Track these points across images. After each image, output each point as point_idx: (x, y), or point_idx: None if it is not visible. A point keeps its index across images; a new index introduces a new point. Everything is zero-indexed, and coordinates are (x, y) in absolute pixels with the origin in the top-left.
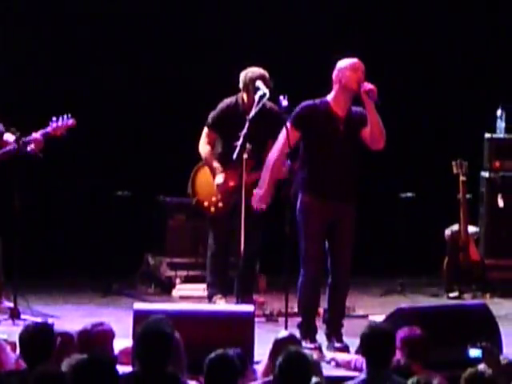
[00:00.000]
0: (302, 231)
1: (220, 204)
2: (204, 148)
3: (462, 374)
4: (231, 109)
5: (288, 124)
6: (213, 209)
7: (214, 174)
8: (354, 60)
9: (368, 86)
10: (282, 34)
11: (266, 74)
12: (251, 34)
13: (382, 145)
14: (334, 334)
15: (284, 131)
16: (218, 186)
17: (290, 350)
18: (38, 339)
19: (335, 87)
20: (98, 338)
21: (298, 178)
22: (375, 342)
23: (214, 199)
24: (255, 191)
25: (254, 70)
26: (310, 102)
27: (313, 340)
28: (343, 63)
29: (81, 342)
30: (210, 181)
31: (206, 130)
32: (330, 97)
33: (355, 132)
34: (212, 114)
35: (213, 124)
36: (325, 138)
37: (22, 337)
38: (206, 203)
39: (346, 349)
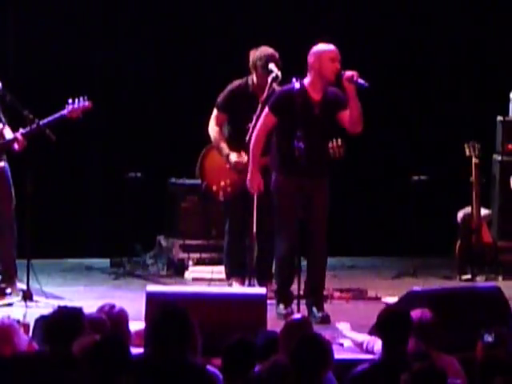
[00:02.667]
0: (276, 207)
1: (229, 189)
2: (213, 130)
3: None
4: (241, 90)
5: (266, 109)
6: (221, 193)
7: (223, 155)
8: (331, 48)
9: (348, 73)
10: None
11: (276, 54)
12: (256, 19)
13: (359, 128)
14: (315, 304)
15: (263, 114)
16: (236, 163)
17: (306, 334)
18: (68, 324)
19: (311, 73)
20: (114, 320)
21: (271, 157)
22: (392, 324)
23: (222, 184)
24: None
25: (262, 50)
26: (286, 87)
27: (287, 305)
28: (320, 51)
29: (94, 325)
30: (218, 165)
31: (215, 111)
32: (306, 81)
33: (331, 115)
34: (221, 96)
35: (222, 106)
36: (300, 121)
37: (51, 320)
38: (214, 188)
39: (327, 318)
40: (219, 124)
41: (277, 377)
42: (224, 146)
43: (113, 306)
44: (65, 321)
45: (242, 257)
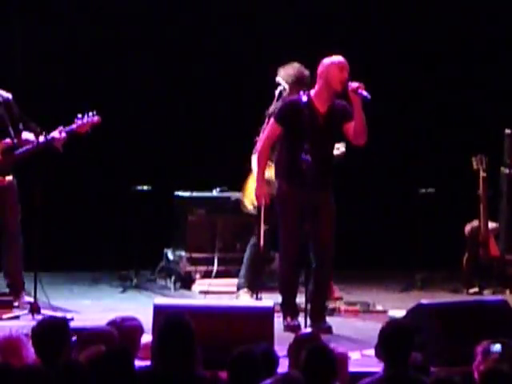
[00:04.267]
0: (280, 218)
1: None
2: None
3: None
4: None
5: (272, 119)
6: (252, 207)
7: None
8: (340, 59)
9: (354, 84)
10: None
11: (305, 72)
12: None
13: (363, 141)
14: (318, 315)
15: (269, 125)
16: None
17: (314, 345)
18: (52, 334)
19: (319, 83)
20: (124, 333)
21: (276, 166)
22: (394, 339)
23: (252, 197)
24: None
25: (293, 67)
26: (293, 98)
27: (293, 318)
28: (329, 61)
29: (102, 337)
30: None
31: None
32: (313, 91)
33: (336, 126)
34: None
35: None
36: (305, 132)
37: (35, 331)
38: (246, 200)
39: (329, 329)
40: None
41: None
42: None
43: (124, 319)
44: (48, 332)
45: (261, 270)
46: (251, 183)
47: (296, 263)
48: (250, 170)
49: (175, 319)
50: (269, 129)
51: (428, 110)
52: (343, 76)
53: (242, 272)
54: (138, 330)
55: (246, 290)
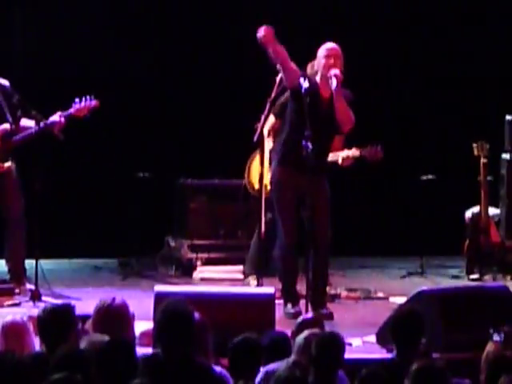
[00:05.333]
0: (276, 202)
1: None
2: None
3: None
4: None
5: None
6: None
7: None
8: (329, 45)
9: (333, 72)
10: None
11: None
12: None
13: (346, 129)
14: (318, 301)
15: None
16: None
17: (323, 334)
18: (57, 321)
19: (318, 71)
20: (117, 313)
21: (274, 149)
22: (405, 325)
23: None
24: None
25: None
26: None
27: (294, 304)
28: (320, 49)
29: (99, 318)
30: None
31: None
32: (317, 78)
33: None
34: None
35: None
36: (307, 116)
37: (40, 318)
38: (257, 186)
39: (330, 315)
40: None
41: (297, 375)
42: None
43: (114, 299)
44: (54, 319)
45: (266, 256)
46: (256, 165)
47: (294, 249)
48: (252, 153)
49: (173, 306)
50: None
51: (428, 96)
52: (328, 62)
53: (249, 258)
54: (125, 309)
55: (254, 276)
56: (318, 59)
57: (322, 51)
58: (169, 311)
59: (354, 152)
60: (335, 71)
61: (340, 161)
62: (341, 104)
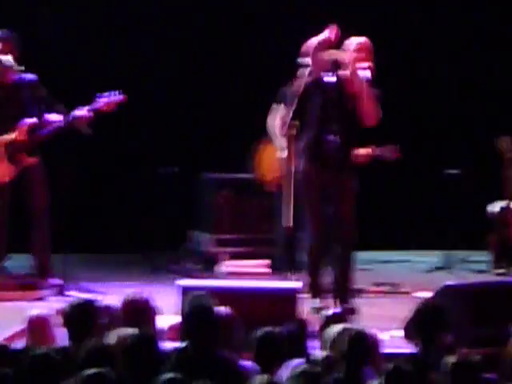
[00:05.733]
0: (304, 199)
1: (281, 180)
2: (274, 122)
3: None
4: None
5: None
6: (275, 185)
7: (280, 148)
8: (361, 40)
9: (361, 65)
10: None
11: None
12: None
13: (371, 122)
14: (341, 295)
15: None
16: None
17: (357, 331)
18: (82, 316)
19: (343, 65)
20: (141, 307)
21: (298, 146)
22: (429, 319)
23: (276, 175)
24: None
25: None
26: (318, 76)
27: (321, 299)
28: (351, 43)
29: (124, 312)
30: (274, 156)
31: (282, 106)
32: (342, 72)
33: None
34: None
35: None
36: (333, 112)
37: (65, 313)
38: (268, 178)
39: (352, 310)
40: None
41: (329, 369)
42: (281, 139)
43: (139, 294)
44: (80, 314)
45: (293, 249)
46: (268, 157)
47: (322, 245)
48: (261, 146)
49: (199, 301)
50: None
51: (453, 91)
52: (360, 56)
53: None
54: (148, 303)
55: (287, 272)
56: (347, 52)
57: (352, 45)
58: (195, 306)
59: (368, 150)
60: (365, 64)
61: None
62: (370, 96)
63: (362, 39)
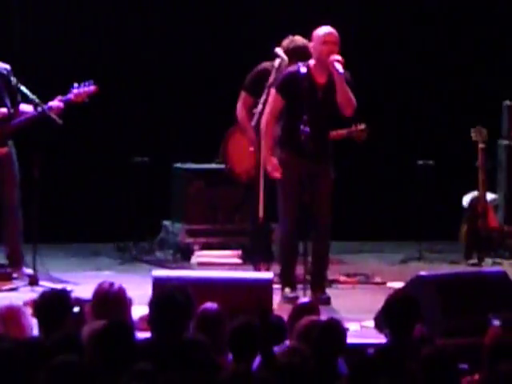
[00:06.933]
0: (279, 188)
1: (252, 171)
2: (240, 112)
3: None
4: (268, 73)
5: (272, 90)
6: (244, 176)
7: (249, 139)
8: (326, 30)
9: (334, 57)
10: None
11: (305, 44)
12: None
13: (349, 113)
14: (318, 285)
15: (271, 97)
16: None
17: (328, 322)
18: (54, 305)
19: (313, 56)
20: (114, 298)
21: (276, 135)
22: (399, 310)
23: (245, 166)
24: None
25: (297, 39)
26: (292, 69)
27: (292, 289)
28: (316, 34)
29: (97, 303)
30: (242, 147)
31: (242, 93)
32: (311, 63)
33: (333, 98)
34: (248, 78)
35: (249, 87)
36: (306, 104)
37: (37, 303)
38: (237, 170)
39: (327, 300)
40: (246, 106)
41: (296, 361)
42: (251, 130)
43: (112, 284)
44: (51, 304)
45: (267, 240)
46: (237, 148)
47: (295, 234)
48: (231, 137)
49: (165, 291)
50: (271, 101)
51: (426, 81)
52: (327, 48)
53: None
54: (122, 293)
55: (262, 263)
56: (314, 44)
57: (319, 37)
58: (158, 295)
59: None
60: (337, 57)
61: None
62: (343, 88)
63: (329, 30)
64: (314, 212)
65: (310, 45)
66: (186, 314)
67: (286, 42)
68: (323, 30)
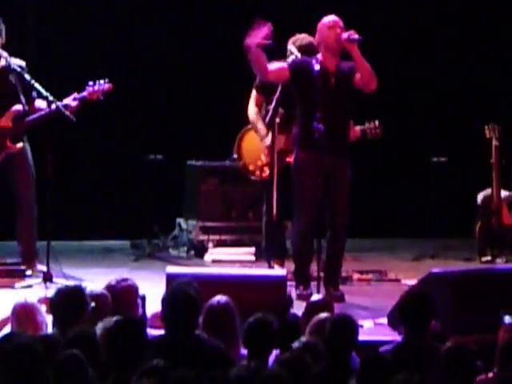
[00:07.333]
0: (296, 185)
1: (266, 168)
2: (252, 110)
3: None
4: None
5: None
6: (258, 173)
7: (260, 136)
8: (330, 18)
9: (345, 35)
10: None
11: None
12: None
13: (373, 86)
14: (332, 283)
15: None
16: (267, 147)
17: (337, 316)
18: (70, 302)
19: (320, 48)
20: (124, 293)
21: (292, 134)
22: (414, 307)
23: (259, 163)
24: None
25: (302, 37)
26: (303, 58)
27: (306, 287)
28: (321, 24)
29: (110, 300)
30: (256, 145)
31: (254, 92)
32: (319, 55)
33: (348, 84)
34: (259, 77)
35: (260, 87)
36: (317, 92)
37: (53, 300)
38: (251, 167)
39: (341, 297)
40: (258, 105)
41: (309, 358)
42: (262, 127)
43: (118, 281)
44: (67, 301)
45: (280, 238)
46: (251, 146)
47: (310, 232)
48: (246, 135)
49: (178, 288)
50: (279, 66)
51: (441, 78)
52: (335, 33)
53: (264, 244)
54: (132, 289)
55: (275, 260)
56: (321, 33)
57: (324, 24)
58: (171, 292)
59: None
60: (347, 33)
61: None
62: (363, 62)
63: (333, 17)
64: (331, 212)
65: (315, 39)
66: (198, 311)
67: (292, 40)
68: (327, 18)
